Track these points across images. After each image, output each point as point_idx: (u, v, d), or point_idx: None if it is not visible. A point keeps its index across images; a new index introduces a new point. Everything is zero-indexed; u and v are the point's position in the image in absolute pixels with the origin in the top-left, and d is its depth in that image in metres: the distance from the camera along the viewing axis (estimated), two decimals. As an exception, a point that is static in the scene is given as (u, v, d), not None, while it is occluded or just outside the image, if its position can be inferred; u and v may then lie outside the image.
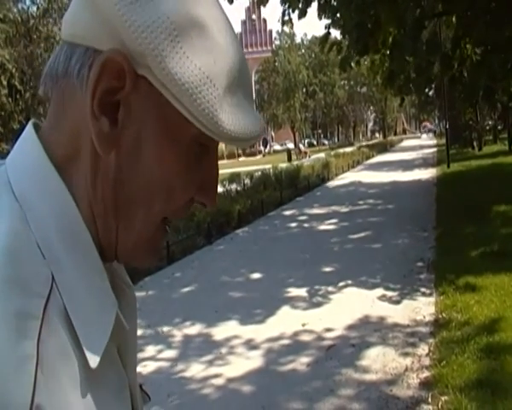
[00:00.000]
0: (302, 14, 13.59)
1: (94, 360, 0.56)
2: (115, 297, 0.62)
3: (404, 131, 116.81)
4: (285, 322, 6.33)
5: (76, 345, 0.54)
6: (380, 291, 7.10)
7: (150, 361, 5.59)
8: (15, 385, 0.48)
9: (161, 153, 0.61)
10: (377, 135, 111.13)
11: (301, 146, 61.48)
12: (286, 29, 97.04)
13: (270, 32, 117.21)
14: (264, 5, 13.02)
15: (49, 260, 0.55)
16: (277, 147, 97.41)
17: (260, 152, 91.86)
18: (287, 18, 14.12)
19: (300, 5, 13.59)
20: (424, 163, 29.82)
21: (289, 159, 45.10)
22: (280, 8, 14.85)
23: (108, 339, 0.58)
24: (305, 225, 13.42)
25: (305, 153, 51.59)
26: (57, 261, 0.55)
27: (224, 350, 5.70)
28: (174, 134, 0.61)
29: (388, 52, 13.93)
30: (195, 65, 0.58)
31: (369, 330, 5.80)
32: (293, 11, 13.86)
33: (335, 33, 51.50)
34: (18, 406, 0.47)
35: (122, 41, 0.57)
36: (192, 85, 0.57)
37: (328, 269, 8.57)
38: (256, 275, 8.70)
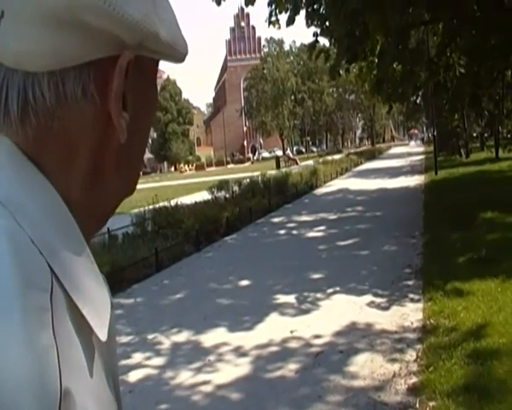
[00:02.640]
0: (290, 22, 13.63)
1: (103, 334, 0.59)
2: None
3: (393, 139, 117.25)
4: (273, 329, 6.34)
5: (80, 331, 0.57)
6: (368, 298, 7.13)
7: (138, 368, 5.57)
8: (45, 375, 0.50)
9: (152, 105, 0.68)
10: (366, 142, 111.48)
11: (289, 153, 61.50)
12: (274, 36, 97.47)
13: (259, 39, 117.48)
14: (253, 4, 13.05)
15: (46, 255, 0.56)
16: (266, 154, 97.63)
17: (249, 159, 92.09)
18: (274, 18, 14.17)
19: (288, 12, 13.65)
20: (412, 170, 29.97)
21: (278, 166, 45.16)
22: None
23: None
24: (294, 232, 13.45)
25: (294, 160, 51.53)
26: (53, 255, 0.57)
27: (212, 357, 5.70)
28: (154, 83, 0.68)
29: (376, 60, 14.01)
30: (170, 22, 0.64)
31: (357, 337, 5.82)
32: (280, 12, 13.93)
33: (323, 40, 51.57)
34: (51, 394, 0.50)
35: (116, 36, 0.58)
36: (174, 37, 0.64)
37: (316, 276, 8.58)
38: (244, 282, 8.70)
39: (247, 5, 13.13)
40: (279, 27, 14.48)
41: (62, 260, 0.58)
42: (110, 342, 0.68)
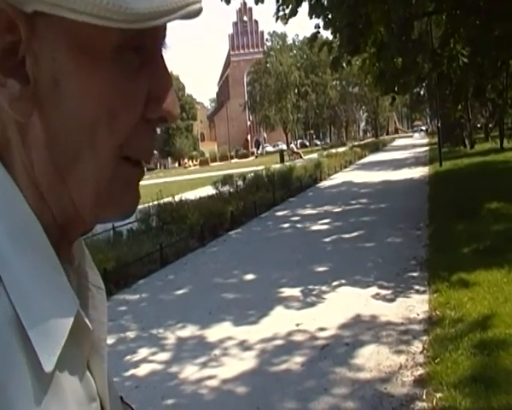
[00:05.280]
0: (292, 14, 13.62)
1: (49, 365, 0.51)
2: (79, 298, 0.57)
3: (397, 131, 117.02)
4: (279, 322, 6.32)
5: (29, 353, 0.50)
6: (373, 290, 7.11)
7: (144, 364, 5.57)
8: None
9: (85, 82, 0.53)
10: (369, 134, 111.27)
11: (293, 147, 61.32)
12: (277, 30, 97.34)
13: (262, 33, 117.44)
14: (262, 1, 13.04)
15: None
16: (270, 148, 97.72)
17: (253, 154, 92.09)
18: (281, 13, 14.09)
19: (292, 4, 13.63)
20: (416, 162, 29.87)
21: (282, 160, 45.10)
22: (271, 9, 14.85)
23: (68, 343, 0.53)
24: (298, 225, 13.42)
25: (298, 154, 51.35)
26: (5, 262, 0.51)
27: (217, 351, 5.69)
28: (91, 54, 0.53)
29: (377, 51, 13.96)
30: None
31: (362, 329, 5.80)
32: (287, 7, 13.89)
33: (326, 33, 51.55)
34: None
35: None
36: None
37: (321, 269, 8.57)
38: (249, 276, 8.69)
39: (256, 3, 13.14)
40: (286, 22, 14.42)
41: (14, 269, 0.51)
42: (95, 365, 0.62)
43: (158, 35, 0.57)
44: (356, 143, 62.98)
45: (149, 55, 0.57)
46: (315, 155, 36.37)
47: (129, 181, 0.59)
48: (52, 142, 0.54)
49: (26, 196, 0.55)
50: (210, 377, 5.07)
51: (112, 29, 0.51)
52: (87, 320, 0.57)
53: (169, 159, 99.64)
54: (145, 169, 0.62)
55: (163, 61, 0.59)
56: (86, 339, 0.59)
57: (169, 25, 0.56)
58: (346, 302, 6.74)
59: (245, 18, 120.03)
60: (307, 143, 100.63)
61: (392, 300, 6.67)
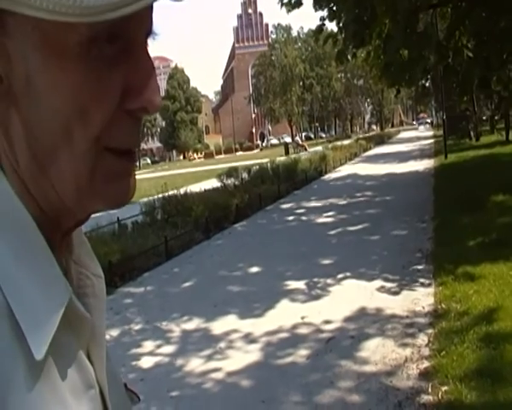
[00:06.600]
0: (297, 5, 13.55)
1: (39, 353, 0.52)
2: (77, 287, 0.59)
3: (402, 123, 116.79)
4: (284, 315, 6.32)
5: (21, 342, 0.51)
6: (378, 283, 7.09)
7: (149, 356, 5.58)
8: None
9: (54, 78, 0.53)
10: (374, 127, 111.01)
11: (298, 139, 61.25)
12: (282, 22, 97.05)
13: (267, 25, 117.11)
14: None
15: None
16: (275, 141, 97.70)
17: (258, 146, 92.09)
18: (286, 0, 13.95)
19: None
20: (422, 154, 29.79)
21: (287, 152, 45.07)
22: (276, 1, 14.74)
23: (63, 331, 0.54)
24: (303, 218, 13.41)
25: (303, 146, 51.25)
26: None
27: (223, 344, 5.69)
28: (58, 50, 0.52)
29: (383, 44, 13.90)
30: None
31: (368, 322, 5.79)
32: None
33: (331, 25, 51.37)
34: None
35: None
36: None
37: (326, 261, 8.56)
38: (254, 269, 8.69)
39: None
40: (290, 10, 14.30)
41: (4, 259, 0.52)
42: (94, 352, 0.63)
43: (137, 24, 0.55)
44: (361, 136, 62.84)
45: (127, 45, 0.55)
46: (320, 148, 36.20)
47: (116, 172, 0.58)
48: (31, 136, 0.54)
49: (14, 189, 0.56)
50: (215, 370, 5.07)
51: (76, 24, 0.50)
52: (82, 308, 0.58)
53: (174, 152, 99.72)
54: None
55: (144, 51, 0.57)
56: (83, 327, 0.59)
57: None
58: (351, 295, 6.73)
59: (250, 10, 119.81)
60: (312, 136, 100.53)
61: (397, 293, 6.66)
